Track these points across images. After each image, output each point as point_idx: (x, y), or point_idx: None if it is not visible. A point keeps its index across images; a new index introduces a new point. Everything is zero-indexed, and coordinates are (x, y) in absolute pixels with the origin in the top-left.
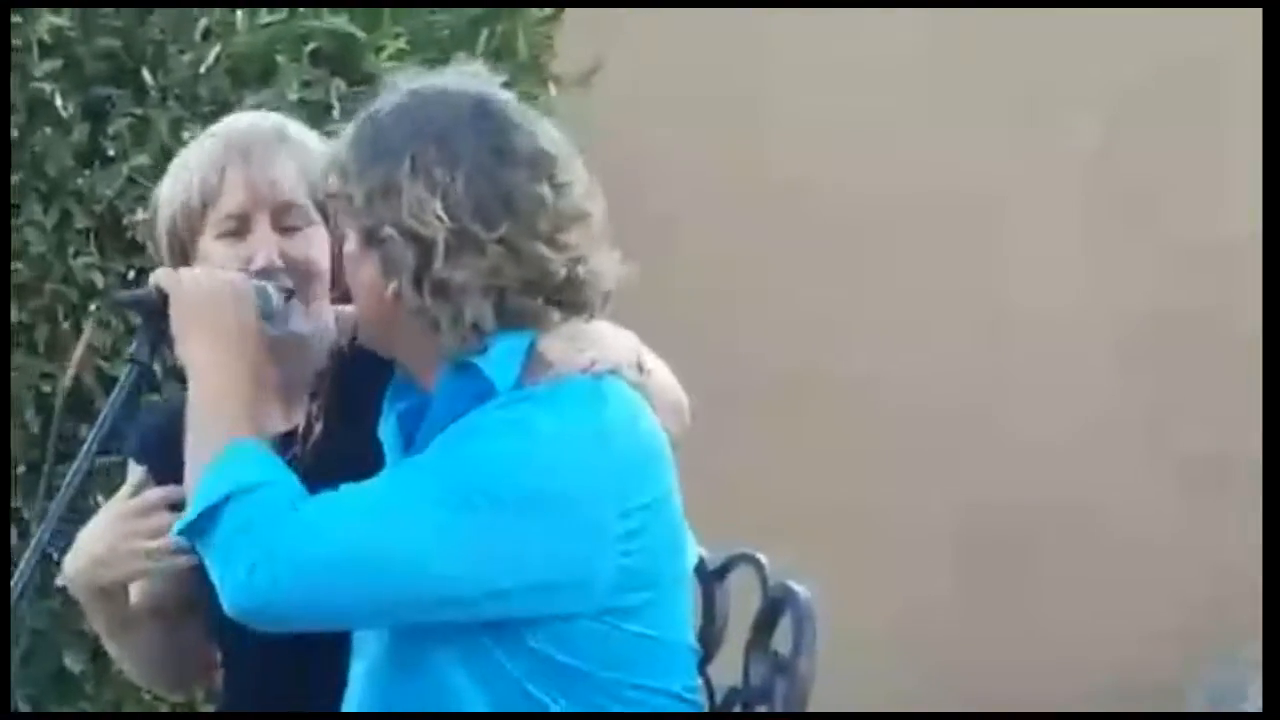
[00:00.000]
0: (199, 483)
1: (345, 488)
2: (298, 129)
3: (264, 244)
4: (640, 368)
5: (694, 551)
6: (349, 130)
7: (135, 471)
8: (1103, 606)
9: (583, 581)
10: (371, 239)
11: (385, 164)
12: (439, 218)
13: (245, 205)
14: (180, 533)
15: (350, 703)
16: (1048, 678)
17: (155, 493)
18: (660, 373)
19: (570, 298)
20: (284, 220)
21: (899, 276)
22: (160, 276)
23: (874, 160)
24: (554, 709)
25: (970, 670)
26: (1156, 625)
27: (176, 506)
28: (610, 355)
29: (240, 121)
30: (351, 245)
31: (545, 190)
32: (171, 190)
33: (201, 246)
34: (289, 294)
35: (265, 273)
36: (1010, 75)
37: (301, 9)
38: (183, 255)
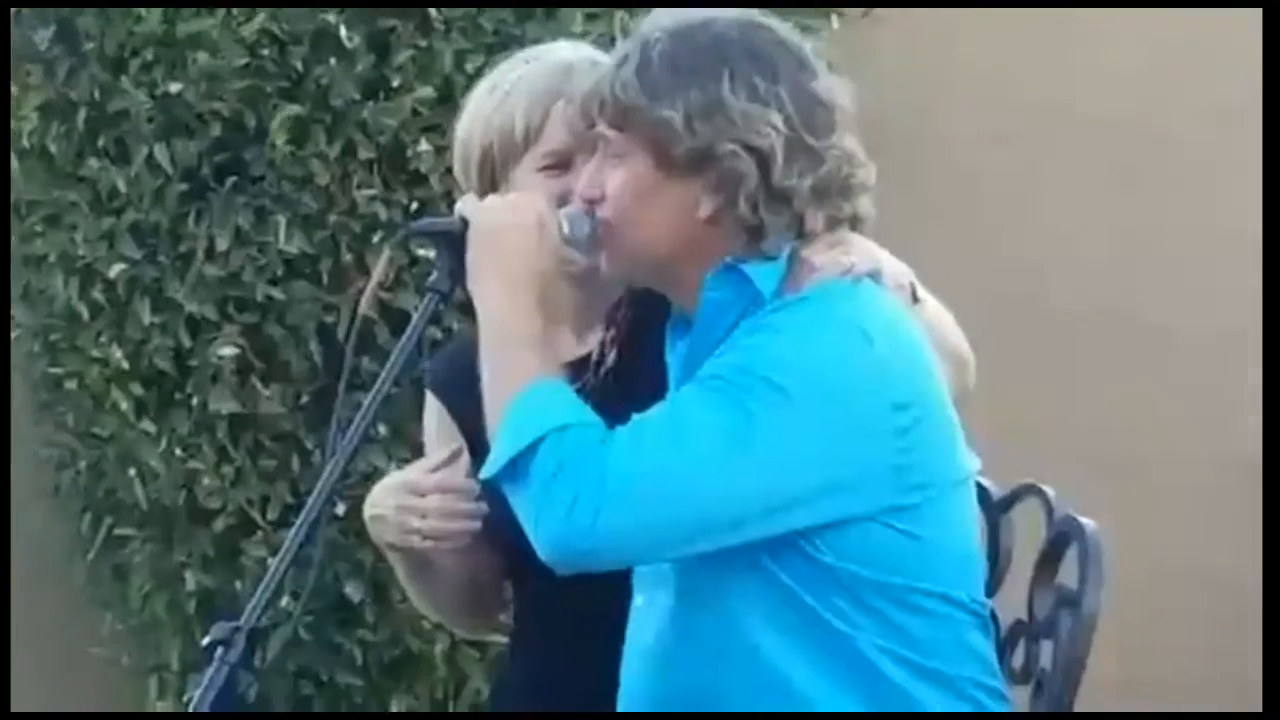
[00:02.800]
0: (505, 425)
1: (640, 417)
2: None
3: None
4: (915, 298)
5: (974, 462)
6: (630, 57)
7: (444, 432)
8: None
9: (862, 478)
10: (699, 159)
11: (701, 83)
12: (774, 128)
13: (566, 145)
14: (491, 478)
15: (634, 637)
16: None
17: (429, 479)
18: (937, 314)
19: (865, 204)
20: None
21: (1201, 220)
22: (466, 205)
23: (1180, 98)
24: (840, 625)
25: None
26: None
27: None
28: (871, 262)
29: (563, 53)
30: (645, 171)
31: (846, 99)
32: (491, 115)
33: (516, 177)
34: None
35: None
36: None
37: None
38: (492, 182)
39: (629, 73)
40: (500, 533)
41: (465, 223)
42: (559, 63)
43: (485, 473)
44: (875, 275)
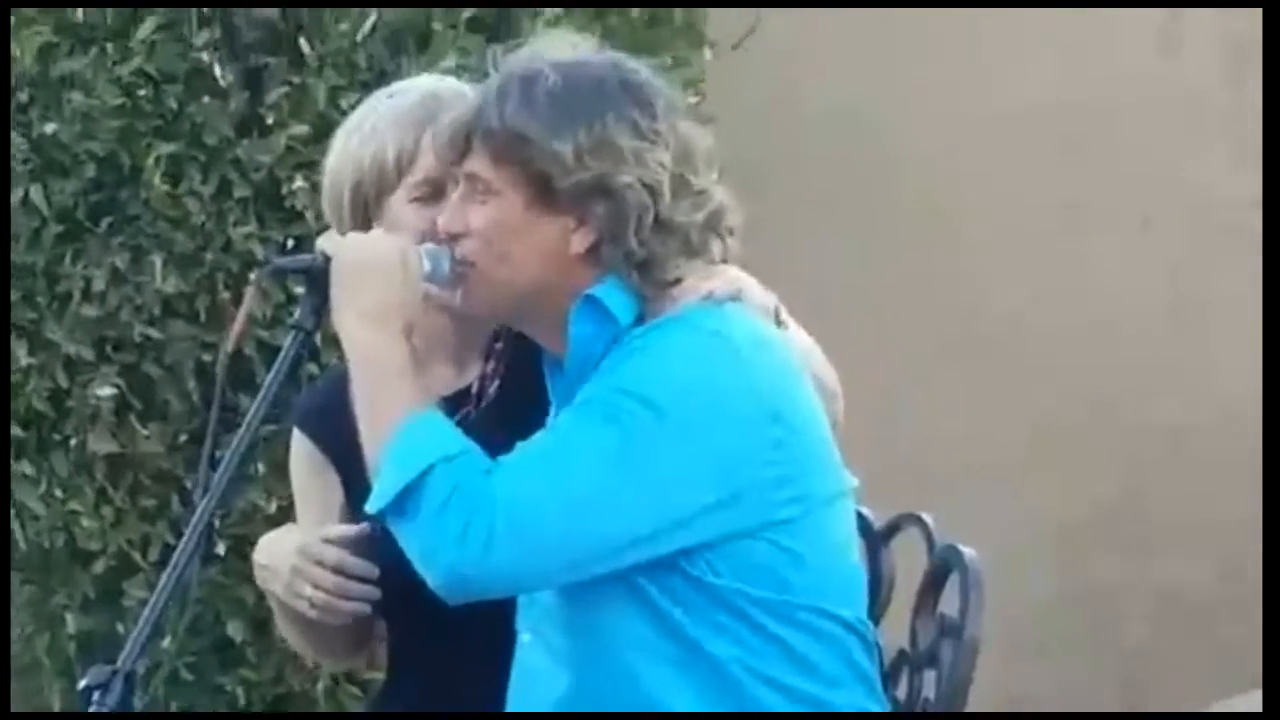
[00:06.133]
0: (389, 458)
1: (523, 445)
2: None
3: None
4: (778, 321)
5: (849, 477)
6: (511, 91)
7: (314, 468)
8: None
9: (743, 493)
10: (585, 193)
11: (588, 119)
12: (661, 164)
13: (440, 172)
14: (380, 511)
15: (518, 674)
16: None
17: (330, 552)
18: (805, 345)
19: (717, 238)
20: None
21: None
22: (326, 241)
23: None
24: (718, 650)
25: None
26: None
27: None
28: (732, 286)
29: (427, 84)
30: (515, 207)
31: (707, 138)
32: (359, 150)
33: (391, 208)
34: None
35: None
36: None
37: None
38: (365, 216)
39: (515, 105)
40: (389, 573)
41: (327, 259)
42: (427, 92)
43: (372, 506)
44: (735, 298)
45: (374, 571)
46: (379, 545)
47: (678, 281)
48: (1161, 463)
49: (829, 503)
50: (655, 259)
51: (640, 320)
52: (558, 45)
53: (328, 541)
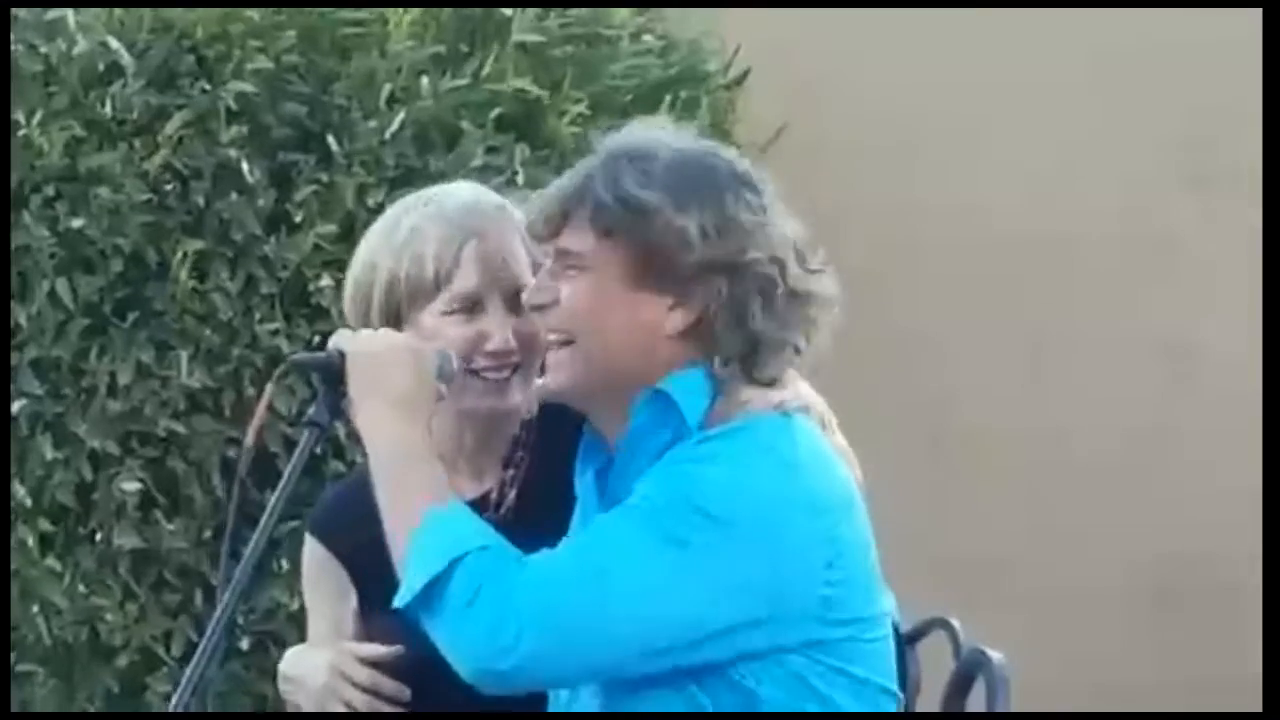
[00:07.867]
0: (415, 551)
1: (565, 542)
2: (512, 206)
3: (499, 325)
4: (824, 426)
5: (890, 599)
6: (622, 169)
7: (326, 573)
8: None
9: (790, 612)
10: (706, 271)
11: (707, 198)
12: (784, 237)
13: (480, 287)
14: (406, 606)
15: None
16: None
17: (363, 673)
18: (843, 447)
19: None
20: (517, 300)
21: (1073, 320)
22: (341, 339)
23: (1050, 199)
24: None
25: None
26: None
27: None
28: (800, 397)
29: (464, 195)
30: (615, 282)
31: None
32: (398, 250)
33: (423, 320)
34: (473, 371)
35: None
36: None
37: (484, 75)
38: (396, 317)
39: (633, 180)
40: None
41: (342, 356)
42: (463, 202)
43: (399, 601)
44: (804, 410)
45: (406, 694)
46: (415, 663)
47: (773, 382)
48: None
49: (872, 623)
50: (766, 345)
51: (704, 419)
52: (654, 128)
53: (361, 661)
